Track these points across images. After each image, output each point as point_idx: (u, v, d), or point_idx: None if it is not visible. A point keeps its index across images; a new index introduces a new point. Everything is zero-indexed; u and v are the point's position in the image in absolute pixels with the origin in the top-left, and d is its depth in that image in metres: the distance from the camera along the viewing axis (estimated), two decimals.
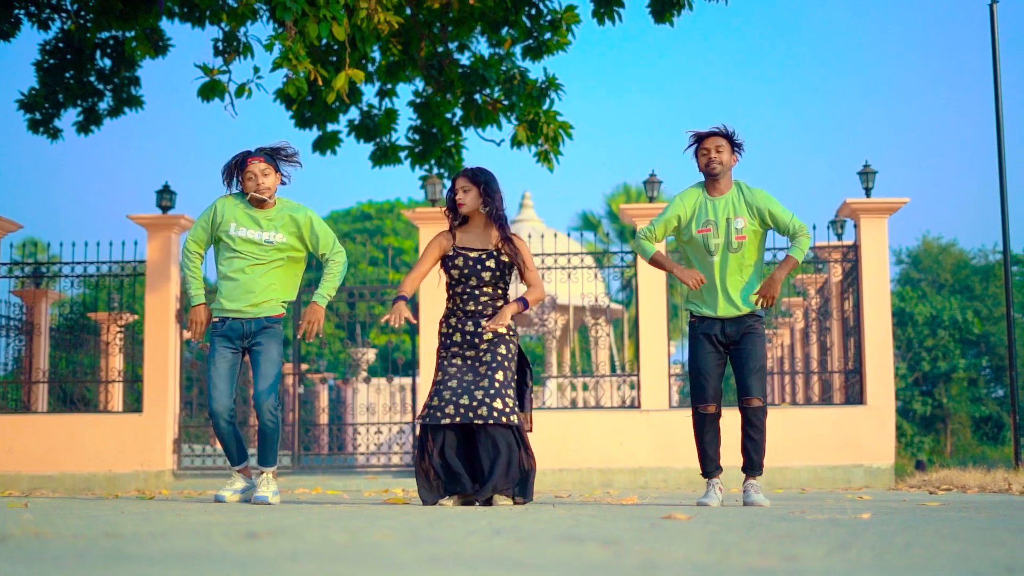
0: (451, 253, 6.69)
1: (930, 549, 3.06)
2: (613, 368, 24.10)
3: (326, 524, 3.76)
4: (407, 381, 19.39)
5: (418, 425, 6.80)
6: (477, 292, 6.67)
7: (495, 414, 6.42)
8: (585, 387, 19.49)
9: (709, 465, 6.89)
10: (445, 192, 6.88)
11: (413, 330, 15.43)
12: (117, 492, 11.29)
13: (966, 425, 36.83)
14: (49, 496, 8.93)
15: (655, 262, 6.83)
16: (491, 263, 6.66)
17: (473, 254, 6.67)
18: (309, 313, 6.76)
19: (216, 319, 6.85)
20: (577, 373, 23.08)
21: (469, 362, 6.62)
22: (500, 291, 6.74)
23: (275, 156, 6.79)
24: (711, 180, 6.74)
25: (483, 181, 6.67)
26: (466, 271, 6.64)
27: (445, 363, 6.66)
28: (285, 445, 15.77)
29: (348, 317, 19.05)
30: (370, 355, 22.76)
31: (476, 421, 6.45)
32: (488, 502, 6.53)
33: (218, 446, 18.50)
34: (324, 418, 21.31)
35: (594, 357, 21.13)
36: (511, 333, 6.71)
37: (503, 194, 6.78)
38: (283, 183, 6.87)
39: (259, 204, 6.79)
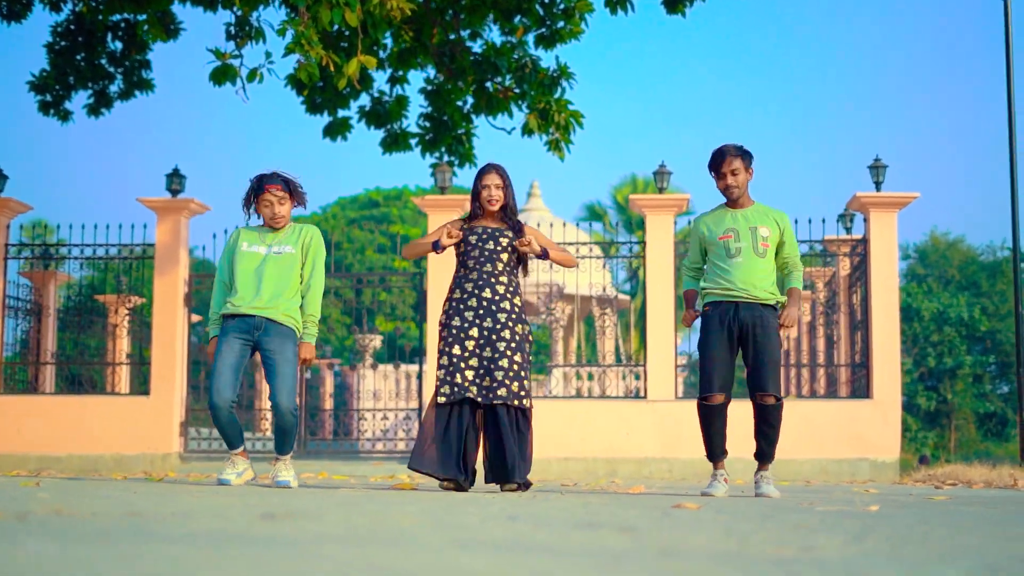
0: (465, 228, 6.82)
1: (946, 542, 3.07)
2: (619, 358, 24.10)
3: (343, 508, 3.78)
4: (413, 368, 19.41)
5: (434, 401, 6.78)
6: (495, 257, 6.72)
7: (511, 396, 6.52)
8: (590, 376, 19.50)
9: (715, 451, 6.89)
10: (474, 185, 6.94)
11: (421, 317, 15.43)
12: (124, 474, 11.33)
13: (970, 421, 36.80)
14: (57, 476, 8.96)
15: (685, 295, 7.09)
16: (504, 240, 6.77)
17: (491, 228, 6.80)
18: (304, 351, 6.76)
19: (227, 314, 6.88)
20: (582, 363, 23.08)
21: (487, 334, 6.62)
22: (514, 264, 6.83)
23: (290, 184, 6.79)
24: (731, 202, 6.87)
25: (509, 179, 6.86)
26: (484, 236, 6.75)
27: (461, 335, 6.63)
28: None
29: (355, 303, 19.04)
30: (376, 342, 22.78)
31: (496, 402, 6.51)
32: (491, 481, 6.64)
33: None
34: (329, 404, 21.33)
35: (600, 347, 21.13)
36: (523, 312, 6.78)
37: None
38: (300, 205, 6.87)
39: (273, 230, 6.84)
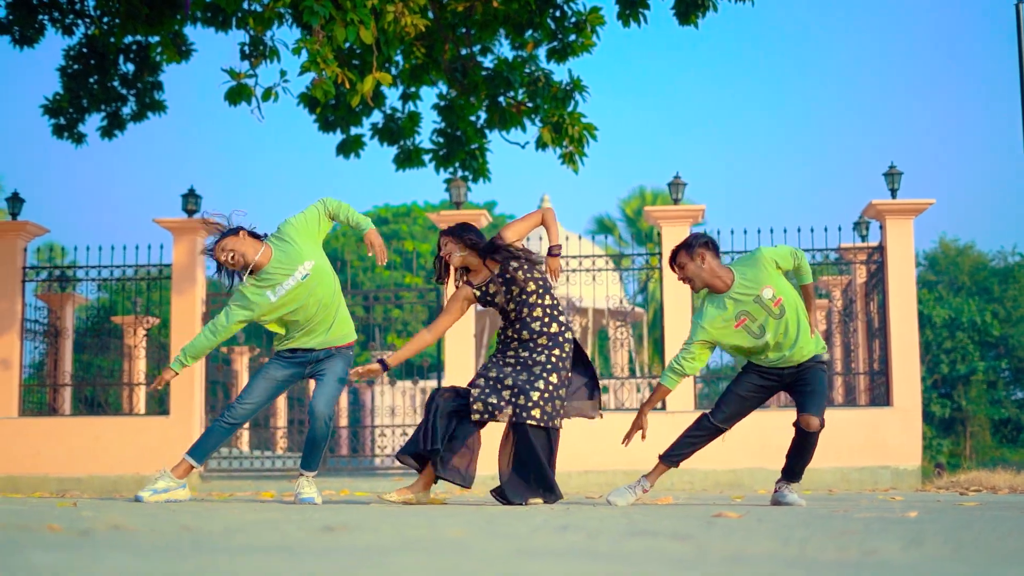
0: (479, 294, 6.75)
1: (1000, 545, 3.06)
2: (633, 371, 24.07)
3: (391, 520, 3.77)
4: (431, 384, 19.40)
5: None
6: (527, 318, 6.66)
7: (545, 417, 6.48)
8: (606, 389, 19.45)
9: (675, 455, 6.79)
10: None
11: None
12: None
13: (985, 428, 36.63)
14: (84, 497, 8.95)
15: (659, 390, 6.75)
16: (515, 287, 6.64)
17: (494, 288, 6.68)
18: (371, 236, 6.54)
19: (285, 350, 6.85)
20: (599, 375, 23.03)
21: (524, 361, 6.62)
22: (547, 294, 6.69)
23: (229, 230, 6.58)
24: (712, 290, 6.52)
25: (455, 232, 6.70)
26: (508, 298, 6.66)
27: (500, 362, 6.64)
28: None
29: (365, 321, 19.02)
30: None
31: (529, 422, 6.47)
32: (504, 498, 6.62)
33: (244, 448, 18.53)
34: (344, 420, 21.28)
35: (613, 359, 21.11)
36: (565, 331, 6.71)
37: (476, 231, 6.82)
38: (256, 236, 6.64)
39: (255, 269, 6.60)
